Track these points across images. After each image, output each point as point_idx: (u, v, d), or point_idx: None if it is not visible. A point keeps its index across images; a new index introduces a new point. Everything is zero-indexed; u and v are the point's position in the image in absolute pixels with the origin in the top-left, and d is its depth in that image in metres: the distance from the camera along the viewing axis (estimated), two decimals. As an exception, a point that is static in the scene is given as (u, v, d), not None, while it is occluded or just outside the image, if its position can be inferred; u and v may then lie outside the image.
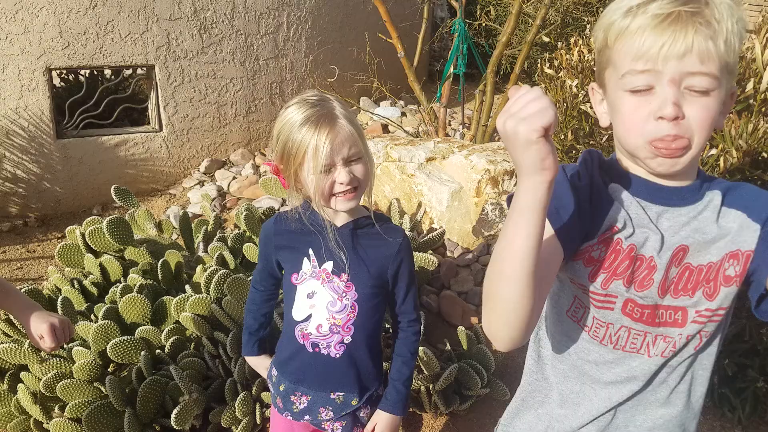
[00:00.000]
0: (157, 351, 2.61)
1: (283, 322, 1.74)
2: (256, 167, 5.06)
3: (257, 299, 1.86)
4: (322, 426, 1.74)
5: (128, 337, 2.52)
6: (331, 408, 1.70)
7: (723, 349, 2.52)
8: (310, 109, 1.49)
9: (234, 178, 4.88)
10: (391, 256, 1.63)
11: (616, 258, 1.08)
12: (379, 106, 6.35)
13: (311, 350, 1.66)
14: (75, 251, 3.01)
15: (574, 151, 2.70)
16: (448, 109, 5.03)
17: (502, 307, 0.95)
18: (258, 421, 2.55)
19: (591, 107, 2.65)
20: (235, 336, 2.56)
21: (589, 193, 1.09)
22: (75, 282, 2.87)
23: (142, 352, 2.50)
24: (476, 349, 2.73)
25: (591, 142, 2.68)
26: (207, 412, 2.57)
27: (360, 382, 1.69)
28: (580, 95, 2.62)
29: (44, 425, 2.56)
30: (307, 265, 1.63)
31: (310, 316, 1.65)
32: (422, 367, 2.56)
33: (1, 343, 2.55)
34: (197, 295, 2.63)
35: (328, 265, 1.61)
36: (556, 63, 2.92)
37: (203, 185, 4.89)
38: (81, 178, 4.51)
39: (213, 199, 4.56)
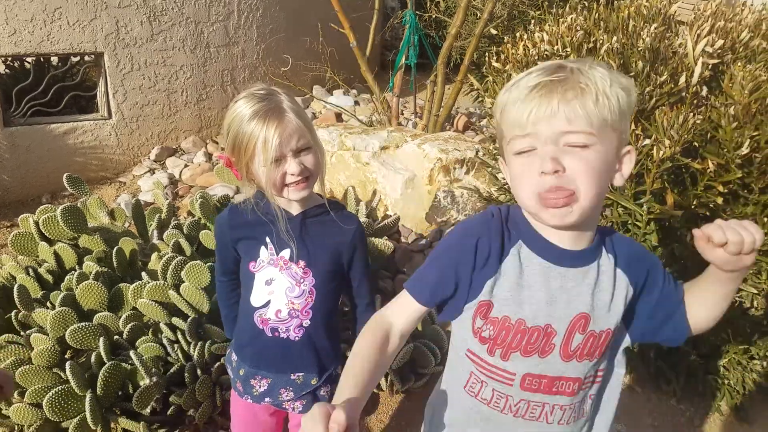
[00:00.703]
0: (116, 337, 2.63)
1: (240, 309, 1.79)
2: (208, 155, 5.06)
3: (224, 289, 1.91)
4: (283, 406, 1.81)
5: (87, 324, 2.54)
6: (291, 388, 1.77)
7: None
8: (258, 103, 1.55)
9: (186, 165, 4.87)
10: (345, 243, 1.70)
11: (508, 334, 1.15)
12: (332, 95, 6.40)
13: (270, 335, 1.73)
14: (28, 239, 2.99)
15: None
16: (401, 99, 5.13)
17: None
18: (218, 403, 2.61)
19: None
20: (194, 321, 2.61)
21: (473, 263, 1.16)
22: (30, 270, 2.85)
23: (101, 338, 2.52)
24: (430, 330, 2.85)
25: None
26: (167, 396, 2.61)
27: (319, 363, 1.77)
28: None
29: (3, 411, 2.56)
30: (264, 253, 1.69)
31: (269, 302, 1.71)
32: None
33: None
34: (155, 282, 2.66)
35: (286, 253, 1.68)
36: (503, 56, 3.03)
37: (154, 173, 4.86)
38: (29, 166, 4.43)
39: (165, 187, 4.54)
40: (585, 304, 1.15)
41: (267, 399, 1.79)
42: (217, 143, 5.30)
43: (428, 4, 5.62)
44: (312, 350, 1.74)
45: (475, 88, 4.40)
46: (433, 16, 5.49)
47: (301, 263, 1.67)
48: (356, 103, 6.30)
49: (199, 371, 2.61)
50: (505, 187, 3.20)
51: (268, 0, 5.38)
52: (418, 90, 5.50)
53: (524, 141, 1.09)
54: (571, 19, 2.96)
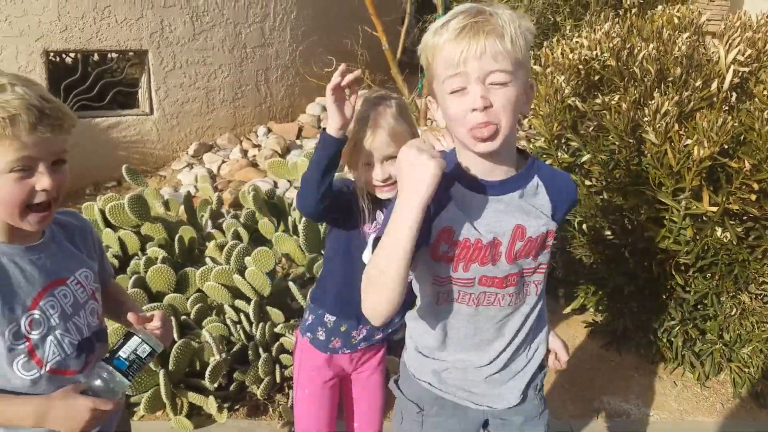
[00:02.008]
0: (182, 317, 2.82)
1: (346, 269, 1.92)
2: (243, 151, 5.25)
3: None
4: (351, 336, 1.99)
5: (158, 304, 2.73)
6: (381, 332, 1.99)
7: (687, 316, 2.89)
8: (365, 110, 1.74)
9: (223, 161, 5.06)
10: None
11: (467, 250, 1.40)
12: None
13: None
14: (93, 226, 3.18)
15: (563, 140, 3.02)
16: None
17: (390, 290, 1.29)
18: (278, 380, 2.80)
19: (576, 101, 2.97)
20: (257, 303, 2.80)
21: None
22: (99, 254, 3.05)
23: (172, 318, 2.71)
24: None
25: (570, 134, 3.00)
26: (229, 373, 2.80)
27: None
28: (566, 90, 2.93)
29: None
30: (381, 217, 1.86)
31: None
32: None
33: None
34: (220, 266, 2.85)
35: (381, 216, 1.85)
36: (542, 60, 3.22)
37: (192, 168, 5.05)
38: (75, 158, 4.54)
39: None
40: (518, 219, 1.39)
41: (363, 344, 1.99)
42: (251, 140, 5.49)
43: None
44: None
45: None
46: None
47: None
48: (380, 103, 6.49)
49: (260, 350, 2.80)
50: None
51: (301, 3, 5.57)
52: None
53: (456, 80, 1.25)
54: (608, 26, 3.15)
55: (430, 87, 1.37)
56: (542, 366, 1.67)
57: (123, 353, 1.37)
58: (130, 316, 1.46)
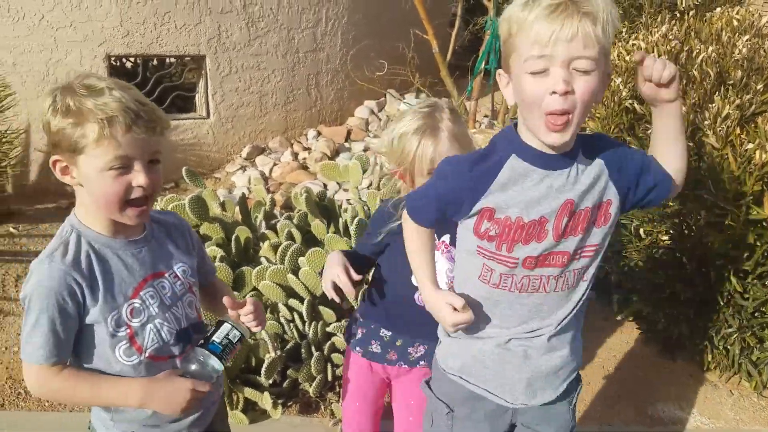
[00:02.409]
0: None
1: (395, 286, 1.96)
2: (294, 154, 5.34)
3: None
4: (408, 352, 1.99)
5: (217, 301, 2.80)
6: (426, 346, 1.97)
7: (745, 323, 2.83)
8: (419, 121, 1.79)
9: (275, 164, 5.16)
10: None
11: (509, 229, 1.38)
12: (404, 98, 6.63)
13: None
14: (154, 225, 3.29)
15: (618, 143, 2.99)
16: (475, 102, 5.32)
17: None
18: (330, 378, 2.84)
19: (633, 104, 2.94)
20: (310, 302, 2.85)
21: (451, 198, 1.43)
22: (159, 252, 3.15)
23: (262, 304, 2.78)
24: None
25: (629, 136, 2.96)
26: (283, 371, 2.85)
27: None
28: (623, 92, 2.91)
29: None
30: (446, 237, 1.85)
31: None
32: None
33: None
34: (276, 266, 2.92)
35: (446, 238, 1.85)
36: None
37: (245, 170, 5.16)
38: (134, 160, 4.78)
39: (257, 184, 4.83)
40: (568, 194, 1.35)
41: (422, 362, 1.97)
42: (301, 143, 5.57)
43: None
44: None
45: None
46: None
47: None
48: (429, 106, 6.51)
49: (313, 348, 2.85)
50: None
51: (352, 8, 5.64)
52: (490, 93, 5.69)
53: (540, 62, 1.22)
54: (666, 28, 3.11)
55: (505, 61, 1.33)
56: (578, 379, 1.64)
57: (216, 338, 1.46)
58: (226, 300, 1.55)
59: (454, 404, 1.61)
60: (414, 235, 1.58)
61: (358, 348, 2.06)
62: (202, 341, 1.47)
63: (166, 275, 1.52)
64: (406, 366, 2.01)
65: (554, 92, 1.22)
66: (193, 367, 1.44)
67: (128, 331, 1.42)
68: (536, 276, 1.42)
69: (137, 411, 1.48)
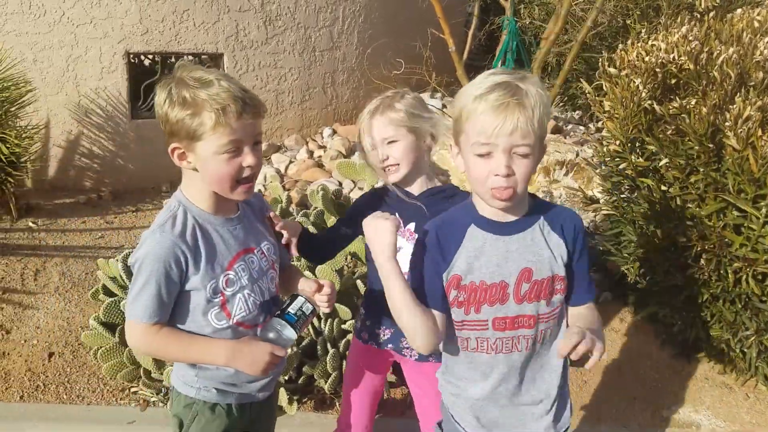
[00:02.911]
0: (256, 311, 2.91)
1: (374, 274, 2.01)
2: (309, 152, 5.36)
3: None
4: (402, 352, 2.08)
5: (234, 297, 2.82)
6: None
7: (763, 326, 2.81)
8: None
9: (291, 161, 5.18)
10: None
11: (475, 293, 1.55)
12: (420, 97, 6.62)
13: None
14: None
15: (637, 143, 2.98)
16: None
17: (411, 330, 1.52)
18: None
19: (653, 105, 2.92)
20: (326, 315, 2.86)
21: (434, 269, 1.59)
22: (177, 248, 3.17)
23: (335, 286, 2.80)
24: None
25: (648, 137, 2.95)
26: (300, 367, 2.87)
27: None
28: (643, 93, 2.89)
29: (152, 374, 2.87)
30: (411, 226, 1.99)
31: None
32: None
33: (121, 299, 2.87)
34: (293, 262, 2.93)
35: (411, 226, 1.97)
36: (617, 63, 3.18)
37: (261, 167, 5.18)
38: (152, 156, 4.81)
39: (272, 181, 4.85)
40: (526, 260, 1.54)
41: (390, 345, 2.09)
42: (316, 141, 5.59)
43: (522, 11, 5.80)
44: None
45: (585, 90, 4.54)
46: (529, 23, 5.66)
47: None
48: (443, 106, 6.51)
49: (328, 345, 2.86)
50: (610, 190, 3.34)
51: (369, 7, 5.65)
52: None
53: (484, 147, 1.43)
54: (686, 29, 3.09)
55: (455, 138, 1.54)
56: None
57: (291, 309, 1.61)
58: (310, 282, 1.79)
59: None
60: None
61: (360, 335, 2.18)
62: (278, 312, 1.61)
63: (255, 251, 1.68)
64: (376, 346, 2.12)
65: (497, 174, 1.43)
66: (271, 335, 1.58)
67: (221, 298, 1.58)
68: (508, 337, 1.58)
69: (220, 370, 1.64)
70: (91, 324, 2.96)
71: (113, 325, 2.95)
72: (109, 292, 3.10)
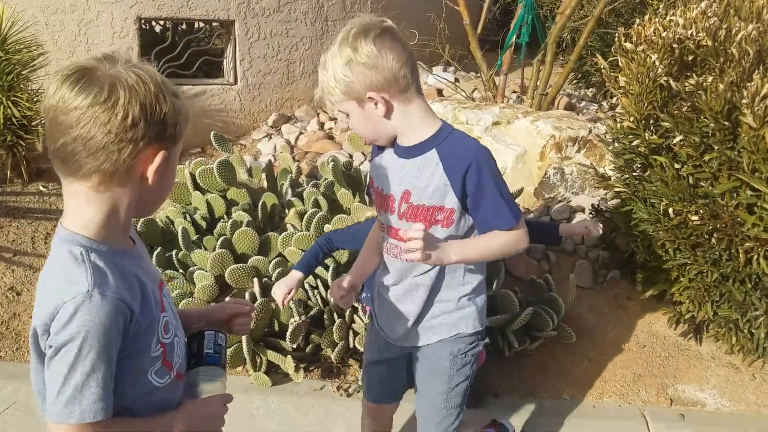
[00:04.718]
0: (264, 279, 2.92)
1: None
2: (320, 124, 5.33)
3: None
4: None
5: (243, 265, 2.83)
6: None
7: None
8: None
9: (301, 133, 5.16)
10: None
11: (377, 196, 1.81)
12: (432, 70, 6.56)
13: None
14: (183, 188, 3.31)
15: (651, 120, 2.94)
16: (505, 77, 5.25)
17: None
18: (351, 345, 2.87)
19: (668, 81, 2.88)
20: (335, 270, 2.87)
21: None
22: (187, 215, 3.18)
23: (255, 278, 2.82)
24: (547, 296, 3.02)
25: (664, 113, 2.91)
26: (307, 336, 2.89)
27: None
28: (659, 68, 2.85)
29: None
30: None
31: None
32: (499, 308, 2.87)
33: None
34: (301, 232, 2.94)
35: None
36: (633, 38, 3.13)
37: (271, 138, 5.17)
38: (162, 124, 4.79)
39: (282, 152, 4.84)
40: (408, 183, 1.70)
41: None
42: (327, 113, 5.56)
43: (538, -15, 5.70)
44: None
45: (599, 67, 4.48)
46: (545, -3, 5.58)
47: None
48: (456, 80, 6.45)
49: (335, 315, 2.87)
50: (622, 167, 3.31)
51: (383, -24, 5.58)
52: (519, 68, 5.61)
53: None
54: (705, 5, 3.03)
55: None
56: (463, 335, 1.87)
57: (208, 349, 1.40)
58: (237, 305, 1.55)
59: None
60: None
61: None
62: (193, 360, 1.39)
63: (165, 283, 1.37)
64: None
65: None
66: (209, 386, 1.39)
67: (162, 350, 1.24)
68: (393, 245, 1.79)
69: None
70: (101, 288, 2.98)
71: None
72: (118, 258, 3.11)
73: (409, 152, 1.69)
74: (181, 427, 1.29)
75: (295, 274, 2.28)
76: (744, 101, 2.51)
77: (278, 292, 2.19)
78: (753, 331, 2.93)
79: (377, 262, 1.97)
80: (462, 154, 1.64)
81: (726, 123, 2.62)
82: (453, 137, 1.68)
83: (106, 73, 1.11)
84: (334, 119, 5.46)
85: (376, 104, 1.63)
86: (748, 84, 2.57)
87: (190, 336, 1.41)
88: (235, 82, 5.03)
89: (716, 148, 2.68)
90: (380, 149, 1.79)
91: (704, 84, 2.72)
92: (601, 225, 2.81)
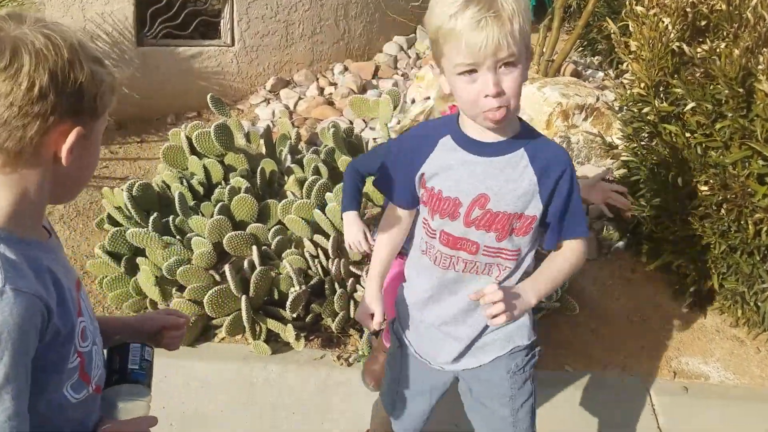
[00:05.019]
0: (263, 247, 2.86)
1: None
2: (320, 89, 5.22)
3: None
4: None
5: (241, 232, 2.77)
6: None
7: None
8: None
9: (300, 98, 5.05)
10: None
11: (432, 199, 1.56)
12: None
13: None
14: (179, 152, 3.23)
15: (662, 87, 2.86)
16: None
17: None
18: (352, 315, 2.82)
19: (681, 46, 2.79)
20: (335, 240, 2.81)
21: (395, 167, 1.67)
22: (184, 180, 3.10)
23: (254, 246, 2.76)
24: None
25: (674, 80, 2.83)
26: (307, 305, 2.84)
27: None
28: (672, 33, 2.76)
29: (159, 305, 2.84)
30: None
31: None
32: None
33: (126, 228, 2.81)
34: (302, 200, 2.87)
35: None
36: (645, 1, 3.03)
37: (269, 103, 5.06)
38: (158, 86, 4.68)
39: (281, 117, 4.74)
40: (486, 186, 1.50)
41: None
42: (327, 78, 5.44)
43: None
44: None
45: (606, 34, 4.38)
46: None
47: None
48: (459, 45, 6.32)
49: (336, 285, 2.82)
50: (630, 136, 3.23)
51: (386, -65, 5.41)
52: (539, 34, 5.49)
53: (469, 67, 1.37)
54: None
55: (436, 59, 1.48)
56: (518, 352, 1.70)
57: (133, 365, 1.25)
58: (171, 319, 1.38)
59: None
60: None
61: None
62: (116, 377, 1.24)
63: (82, 282, 1.17)
64: None
65: (487, 95, 1.37)
66: (130, 405, 1.24)
67: (79, 360, 1.07)
68: (446, 255, 1.59)
69: None
70: (97, 253, 2.93)
71: (118, 254, 2.91)
72: (114, 222, 3.06)
73: (488, 150, 1.49)
74: None
75: (355, 216, 2.21)
76: (760, 67, 2.44)
77: (359, 239, 2.15)
78: (759, 304, 2.89)
79: (395, 253, 1.80)
80: (556, 157, 1.51)
81: (740, 90, 2.54)
82: (538, 137, 1.54)
83: (9, 35, 0.92)
84: (333, 84, 5.34)
85: (528, 64, 1.46)
86: (764, 50, 2.49)
87: (112, 348, 1.26)
88: (233, 44, 4.90)
89: (729, 115, 2.61)
90: (431, 141, 1.56)
91: (718, 50, 2.64)
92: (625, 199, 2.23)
